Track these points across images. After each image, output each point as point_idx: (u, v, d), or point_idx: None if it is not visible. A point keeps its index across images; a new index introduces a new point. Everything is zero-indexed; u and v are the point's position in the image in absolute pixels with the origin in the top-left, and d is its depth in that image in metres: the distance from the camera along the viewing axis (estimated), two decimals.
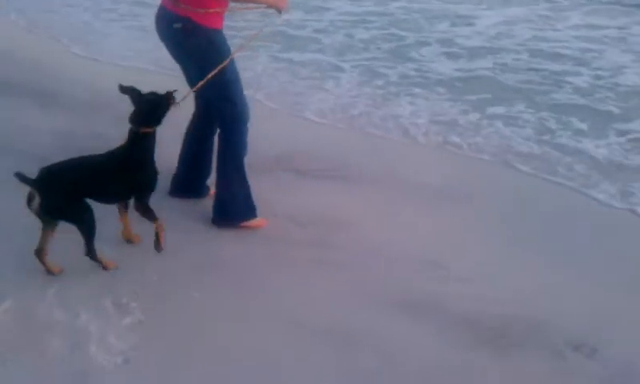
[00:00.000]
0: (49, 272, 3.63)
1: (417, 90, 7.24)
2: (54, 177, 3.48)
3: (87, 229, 3.59)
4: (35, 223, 3.56)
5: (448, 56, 8.53)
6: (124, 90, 3.73)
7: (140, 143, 3.70)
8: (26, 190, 3.45)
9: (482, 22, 10.04)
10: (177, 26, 3.83)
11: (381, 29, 9.67)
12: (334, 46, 8.86)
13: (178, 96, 3.80)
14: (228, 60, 3.93)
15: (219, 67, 3.87)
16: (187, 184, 4.51)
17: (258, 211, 4.32)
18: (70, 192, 3.51)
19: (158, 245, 3.79)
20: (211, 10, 3.82)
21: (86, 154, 3.74)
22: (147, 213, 3.80)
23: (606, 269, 4.15)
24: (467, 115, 6.58)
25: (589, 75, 7.77)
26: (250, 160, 4.27)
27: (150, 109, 3.70)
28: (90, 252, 3.63)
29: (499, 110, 6.71)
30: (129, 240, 3.99)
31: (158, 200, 4.18)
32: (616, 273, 4.11)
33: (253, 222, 4.28)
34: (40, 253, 3.60)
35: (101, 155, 3.70)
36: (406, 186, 5.10)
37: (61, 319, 3.31)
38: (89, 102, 6.28)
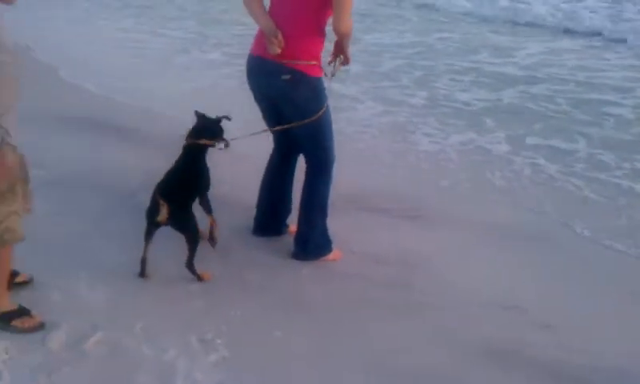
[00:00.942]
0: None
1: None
2: (173, 189, 3.91)
3: (194, 238, 3.94)
4: (126, 257, 3.72)
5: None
6: (197, 114, 4.13)
7: (191, 153, 4.05)
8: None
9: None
10: (285, 77, 3.94)
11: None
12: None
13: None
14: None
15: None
16: (269, 224, 4.59)
17: (348, 249, 4.45)
18: (183, 202, 3.94)
19: (212, 239, 4.17)
20: (314, 63, 3.98)
21: None
22: (207, 206, 4.17)
23: None
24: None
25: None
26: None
27: (203, 126, 4.07)
28: (191, 263, 3.94)
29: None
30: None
31: (241, 237, 4.30)
32: None
33: (330, 256, 4.38)
34: (144, 260, 3.98)
35: (175, 167, 4.05)
36: (483, 226, 5.09)
37: (148, 354, 3.38)
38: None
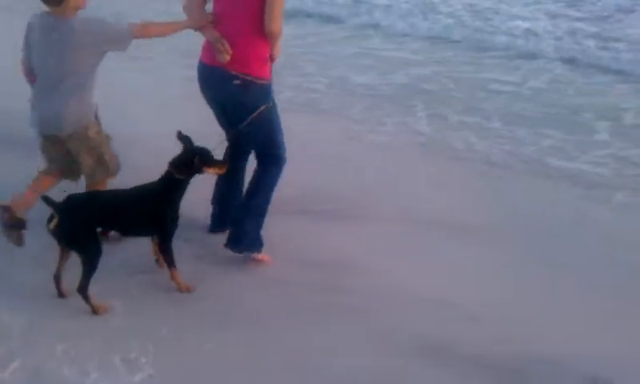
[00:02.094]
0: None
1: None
2: (73, 204, 3.75)
3: (89, 262, 3.71)
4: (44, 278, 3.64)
5: None
6: (181, 137, 3.95)
7: (173, 186, 3.91)
8: None
9: None
10: (237, 82, 4.05)
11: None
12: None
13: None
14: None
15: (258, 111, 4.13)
16: (224, 219, 4.57)
17: (270, 254, 4.36)
18: (84, 222, 3.73)
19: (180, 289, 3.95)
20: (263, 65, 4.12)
21: None
22: (168, 256, 3.95)
23: (622, 301, 4.09)
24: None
25: None
26: None
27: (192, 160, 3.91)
28: (82, 289, 3.71)
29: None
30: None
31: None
32: (632, 304, 4.06)
33: (259, 256, 4.35)
34: (57, 278, 3.82)
35: (130, 189, 3.93)
36: (417, 221, 5.05)
37: (70, 378, 3.26)
38: None
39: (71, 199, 3.79)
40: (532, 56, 9.35)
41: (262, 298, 4.00)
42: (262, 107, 4.13)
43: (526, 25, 10.62)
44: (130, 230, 4.09)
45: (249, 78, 4.06)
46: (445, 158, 6.29)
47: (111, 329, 3.62)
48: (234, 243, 4.31)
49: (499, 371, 3.45)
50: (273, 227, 4.52)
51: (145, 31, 4.11)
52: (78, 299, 3.74)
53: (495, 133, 6.82)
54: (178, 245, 4.04)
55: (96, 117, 4.23)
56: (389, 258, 4.48)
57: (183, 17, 4.21)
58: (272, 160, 4.35)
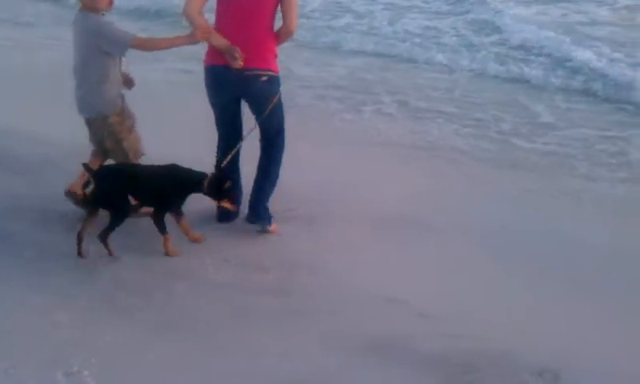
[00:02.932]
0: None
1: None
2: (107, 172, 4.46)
3: (116, 218, 4.29)
4: None
5: None
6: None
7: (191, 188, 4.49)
8: None
9: None
10: (264, 79, 4.51)
11: None
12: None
13: None
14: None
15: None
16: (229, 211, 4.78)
17: (223, 259, 4.41)
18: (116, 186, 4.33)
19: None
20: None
21: None
22: (160, 225, 4.42)
23: (568, 295, 4.14)
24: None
25: None
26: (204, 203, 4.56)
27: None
28: (104, 236, 4.27)
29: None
30: (194, 240, 4.54)
31: (109, 258, 4.18)
32: (579, 299, 4.11)
33: (274, 226, 4.77)
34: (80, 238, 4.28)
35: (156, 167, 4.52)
36: (367, 220, 5.05)
37: None
38: None
39: (104, 168, 4.51)
40: None
41: (204, 305, 3.93)
42: (277, 96, 4.61)
43: None
44: (147, 200, 4.49)
45: (271, 74, 4.54)
46: (395, 156, 6.33)
47: (54, 343, 3.52)
48: (257, 218, 4.74)
49: (449, 367, 3.45)
50: (223, 231, 4.49)
51: (145, 43, 4.64)
52: (21, 314, 3.68)
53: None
54: (123, 255, 3.98)
55: (122, 108, 4.70)
56: (340, 258, 4.48)
57: None
58: (280, 143, 4.79)
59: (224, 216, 4.82)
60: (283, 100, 4.75)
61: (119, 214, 4.30)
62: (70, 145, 5.32)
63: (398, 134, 6.96)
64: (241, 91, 4.59)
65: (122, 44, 4.49)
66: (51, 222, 4.64)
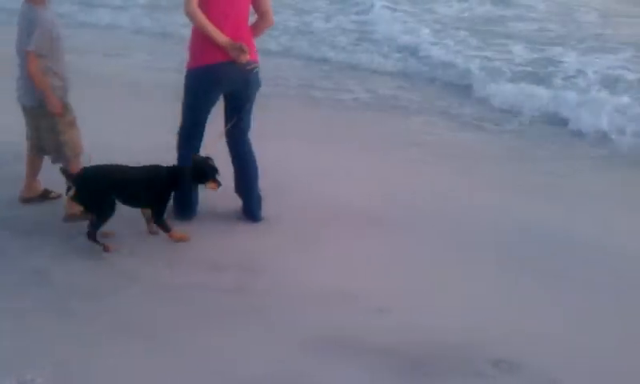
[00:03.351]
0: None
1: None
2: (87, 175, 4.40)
3: (100, 218, 4.36)
4: None
5: None
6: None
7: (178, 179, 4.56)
8: None
9: None
10: (256, 71, 4.70)
11: None
12: None
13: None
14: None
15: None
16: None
17: (170, 258, 4.36)
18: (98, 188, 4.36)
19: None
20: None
21: None
22: (163, 226, 4.54)
23: (524, 284, 4.22)
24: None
25: None
26: None
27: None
28: (91, 235, 4.33)
29: None
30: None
31: (63, 262, 4.12)
32: (535, 288, 4.18)
33: None
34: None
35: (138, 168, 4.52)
36: (323, 215, 5.06)
37: None
38: None
39: (86, 171, 4.44)
40: None
41: (161, 307, 3.89)
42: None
43: None
44: (130, 201, 4.55)
45: (258, 65, 4.72)
46: (351, 150, 6.36)
47: (5, 351, 3.45)
48: (259, 213, 4.96)
49: (405, 360, 3.48)
50: (180, 230, 4.50)
51: (30, 65, 4.56)
52: None
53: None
54: (76, 259, 3.88)
55: (64, 101, 4.73)
56: (296, 255, 4.49)
57: None
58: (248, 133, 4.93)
59: (185, 210, 4.87)
60: None
61: (103, 213, 4.36)
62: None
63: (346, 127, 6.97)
64: (240, 85, 4.69)
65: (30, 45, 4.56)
66: None
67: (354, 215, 5.07)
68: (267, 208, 5.04)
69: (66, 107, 4.75)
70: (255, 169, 4.94)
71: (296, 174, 5.72)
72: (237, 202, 4.99)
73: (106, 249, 4.35)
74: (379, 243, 4.70)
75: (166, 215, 4.57)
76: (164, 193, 4.55)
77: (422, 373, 3.39)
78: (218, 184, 4.54)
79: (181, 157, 4.75)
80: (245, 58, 4.53)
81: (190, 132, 4.79)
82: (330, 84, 9.30)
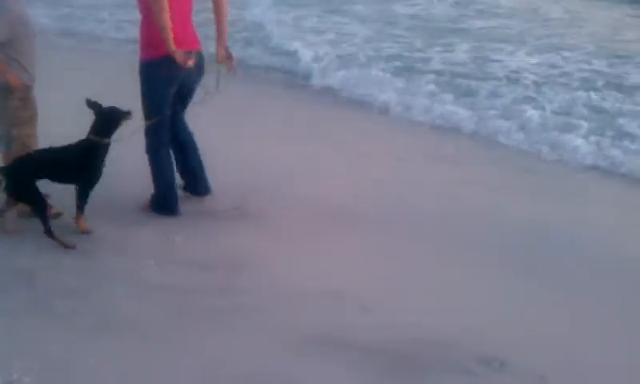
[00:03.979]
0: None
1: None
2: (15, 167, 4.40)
3: (38, 210, 4.37)
4: None
5: None
6: (90, 104, 4.50)
7: (95, 151, 4.49)
8: None
9: None
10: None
11: None
12: None
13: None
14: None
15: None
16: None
17: (157, 256, 4.38)
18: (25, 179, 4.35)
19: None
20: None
21: None
22: (83, 201, 4.54)
23: (512, 281, 4.24)
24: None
25: None
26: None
27: (107, 123, 4.51)
28: (48, 232, 4.33)
29: None
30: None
31: (48, 259, 4.12)
32: (522, 285, 4.20)
33: None
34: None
35: (62, 147, 4.50)
36: (311, 214, 5.06)
37: None
38: None
39: (15, 162, 4.44)
40: None
41: (146, 306, 3.87)
42: None
43: None
44: (59, 179, 4.57)
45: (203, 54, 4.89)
46: (332, 148, 6.36)
47: None
48: (208, 188, 5.16)
49: (390, 357, 3.47)
50: (164, 231, 4.45)
51: None
52: None
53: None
54: (60, 258, 3.84)
55: (27, 96, 4.69)
56: (282, 253, 4.48)
57: None
58: None
59: (169, 205, 4.92)
60: None
61: (36, 203, 4.37)
62: None
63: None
64: (194, 73, 4.78)
65: None
66: None
67: (338, 214, 5.07)
68: (254, 207, 5.04)
69: (27, 100, 4.68)
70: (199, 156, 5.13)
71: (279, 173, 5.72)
72: (227, 202, 4.97)
73: (66, 246, 4.33)
74: (363, 241, 4.70)
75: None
76: (88, 164, 4.51)
77: (409, 370, 3.39)
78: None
79: (160, 157, 4.82)
80: (192, 63, 4.58)
81: (160, 122, 4.77)
82: None
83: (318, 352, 3.52)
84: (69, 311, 3.75)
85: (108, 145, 4.54)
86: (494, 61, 9.78)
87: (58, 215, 4.66)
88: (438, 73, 9.07)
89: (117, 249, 4.41)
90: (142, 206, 4.95)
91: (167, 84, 4.72)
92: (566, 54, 10.07)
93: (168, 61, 4.56)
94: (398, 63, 9.50)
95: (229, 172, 5.43)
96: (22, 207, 4.57)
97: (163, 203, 4.89)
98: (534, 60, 9.81)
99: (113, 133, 4.54)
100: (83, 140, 4.50)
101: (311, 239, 4.70)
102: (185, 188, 5.19)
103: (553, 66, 9.49)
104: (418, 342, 3.58)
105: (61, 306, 3.79)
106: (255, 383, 3.29)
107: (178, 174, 5.11)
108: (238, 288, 4.08)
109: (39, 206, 4.36)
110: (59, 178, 4.56)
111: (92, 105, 4.50)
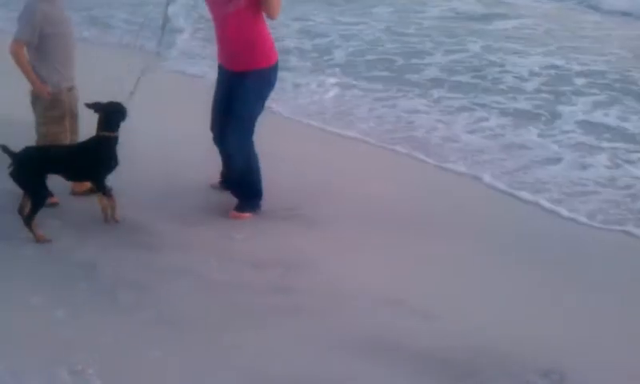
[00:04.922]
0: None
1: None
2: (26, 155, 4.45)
3: (35, 203, 4.39)
4: None
5: None
6: (89, 106, 4.59)
7: (108, 144, 4.58)
8: None
9: None
10: None
11: None
12: None
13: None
14: None
15: None
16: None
17: (217, 253, 4.42)
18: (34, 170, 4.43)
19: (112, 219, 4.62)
20: None
21: None
22: (102, 188, 4.60)
23: (572, 294, 4.14)
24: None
25: None
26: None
27: (112, 116, 4.60)
28: (28, 221, 4.37)
29: None
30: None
31: (109, 253, 4.17)
32: (582, 298, 4.11)
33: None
34: (21, 209, 4.43)
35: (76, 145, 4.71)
36: (367, 221, 5.01)
37: None
38: None
39: (26, 150, 4.48)
40: None
41: (204, 303, 3.91)
42: None
43: None
44: (73, 176, 4.73)
45: None
46: (396, 154, 6.32)
47: (56, 341, 3.50)
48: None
49: (450, 366, 3.43)
50: (225, 228, 4.51)
51: (16, 55, 4.69)
52: (19, 312, 3.68)
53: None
54: (123, 251, 3.93)
55: (59, 98, 4.79)
56: (339, 258, 4.46)
57: None
58: None
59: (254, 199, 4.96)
60: None
61: (37, 197, 4.40)
62: None
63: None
64: None
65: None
66: (48, 219, 4.59)
67: (396, 220, 5.02)
68: (314, 209, 5.04)
69: (56, 100, 4.77)
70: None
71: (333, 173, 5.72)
72: (282, 203, 5.02)
73: (38, 239, 4.37)
74: (423, 248, 4.64)
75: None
76: (104, 158, 4.59)
77: (467, 381, 3.34)
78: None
79: (255, 156, 4.88)
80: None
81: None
82: None
83: (376, 357, 3.49)
84: (131, 304, 3.82)
85: (117, 137, 4.63)
86: None
87: (55, 205, 4.75)
88: None
89: (178, 245, 4.47)
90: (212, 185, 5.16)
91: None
92: None
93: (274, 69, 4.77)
94: None
95: (285, 173, 5.46)
96: (82, 186, 4.83)
97: (256, 200, 4.95)
98: None
99: (120, 124, 4.64)
100: (95, 136, 4.61)
101: (368, 243, 4.66)
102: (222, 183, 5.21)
103: None
104: (479, 352, 3.53)
105: (124, 299, 3.86)
106: None
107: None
108: (294, 288, 4.09)
109: (38, 201, 4.41)
110: (73, 174, 4.70)
111: (92, 106, 4.60)
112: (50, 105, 4.75)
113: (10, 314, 3.69)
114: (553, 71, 8.73)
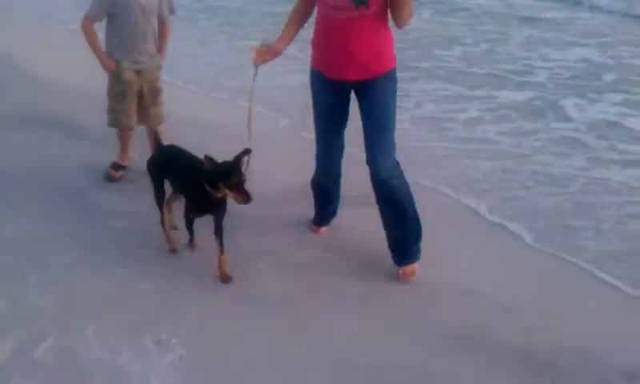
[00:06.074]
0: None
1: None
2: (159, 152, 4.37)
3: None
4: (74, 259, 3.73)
5: None
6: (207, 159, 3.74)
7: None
8: None
9: None
10: None
11: None
12: None
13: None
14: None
15: None
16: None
17: (298, 241, 4.46)
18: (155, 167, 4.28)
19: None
20: None
21: None
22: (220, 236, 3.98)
23: None
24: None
25: None
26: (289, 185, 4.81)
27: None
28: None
29: None
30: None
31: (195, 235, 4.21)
32: None
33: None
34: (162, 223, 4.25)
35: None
36: (449, 213, 5.01)
37: (101, 358, 3.26)
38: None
39: (160, 148, 4.37)
40: None
41: (286, 284, 3.97)
42: None
43: None
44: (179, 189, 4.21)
45: None
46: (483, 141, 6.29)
47: (141, 311, 3.64)
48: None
49: (529, 361, 3.39)
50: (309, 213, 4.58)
51: (86, 31, 4.90)
52: (108, 281, 3.84)
53: None
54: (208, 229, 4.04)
55: (120, 76, 5.00)
56: (425, 249, 4.39)
57: None
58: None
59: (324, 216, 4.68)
60: None
61: (156, 193, 4.24)
62: None
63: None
64: None
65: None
66: (139, 193, 4.73)
67: (474, 213, 4.99)
68: None
69: (119, 78, 4.98)
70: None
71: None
72: (362, 190, 5.01)
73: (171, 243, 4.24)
74: (503, 243, 4.61)
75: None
76: (192, 187, 3.95)
77: (548, 376, 3.30)
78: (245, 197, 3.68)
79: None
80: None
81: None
82: None
83: (456, 348, 3.48)
84: (214, 282, 3.92)
85: None
86: None
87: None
88: None
89: (261, 229, 4.54)
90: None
91: None
92: None
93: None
94: None
95: (361, 159, 5.41)
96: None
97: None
98: None
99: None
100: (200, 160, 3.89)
101: (446, 237, 4.60)
102: None
103: None
104: (559, 349, 3.47)
105: (206, 277, 3.96)
106: (387, 375, 3.29)
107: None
108: (374, 277, 4.09)
109: (156, 196, 4.23)
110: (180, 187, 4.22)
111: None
112: (113, 80, 5.02)
113: (95, 282, 3.85)
114: None
